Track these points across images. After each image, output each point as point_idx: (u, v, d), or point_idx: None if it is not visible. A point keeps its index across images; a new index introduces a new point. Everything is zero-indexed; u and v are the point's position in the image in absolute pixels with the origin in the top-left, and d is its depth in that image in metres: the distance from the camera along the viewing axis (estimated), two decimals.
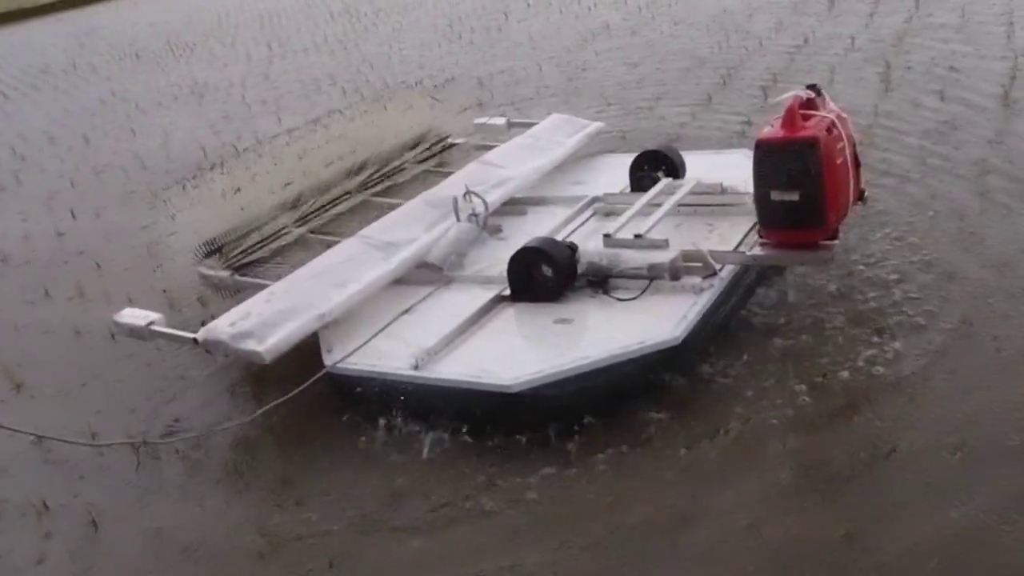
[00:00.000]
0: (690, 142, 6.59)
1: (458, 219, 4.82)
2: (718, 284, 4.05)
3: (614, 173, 5.42)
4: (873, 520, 3.08)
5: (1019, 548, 2.89)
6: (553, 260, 4.17)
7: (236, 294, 4.91)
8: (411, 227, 4.83)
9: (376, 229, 4.85)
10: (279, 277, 4.62)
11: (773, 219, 3.98)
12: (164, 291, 5.77)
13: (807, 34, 9.35)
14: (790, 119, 3.88)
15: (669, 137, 6.87)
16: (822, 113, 3.97)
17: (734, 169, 4.88)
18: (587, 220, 4.88)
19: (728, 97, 7.89)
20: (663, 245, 4.20)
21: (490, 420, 3.80)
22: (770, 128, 3.97)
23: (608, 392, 3.73)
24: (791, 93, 3.98)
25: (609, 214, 4.89)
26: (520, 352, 3.98)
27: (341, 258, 4.60)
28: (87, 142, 10.96)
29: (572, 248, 4.26)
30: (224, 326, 4.14)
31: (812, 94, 3.99)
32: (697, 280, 4.06)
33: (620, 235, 4.34)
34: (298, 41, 15.09)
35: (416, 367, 3.89)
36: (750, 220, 4.38)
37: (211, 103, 11.79)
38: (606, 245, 4.31)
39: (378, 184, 5.73)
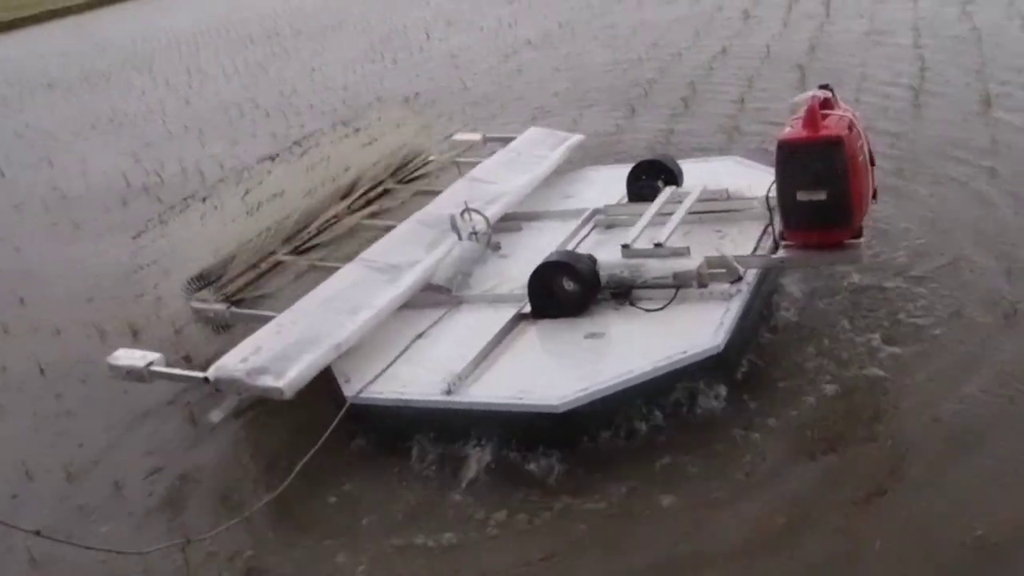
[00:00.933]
0: (618, 153, 6.47)
1: (460, 238, 4.43)
2: (746, 289, 3.80)
3: (604, 185, 5.12)
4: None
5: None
6: (578, 273, 3.84)
7: (227, 328, 4.42)
8: (411, 248, 4.41)
9: (376, 252, 4.42)
10: (279, 309, 4.14)
11: (799, 220, 3.73)
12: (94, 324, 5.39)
13: (724, 44, 9.29)
14: (811, 119, 3.63)
15: (601, 148, 6.60)
16: (839, 112, 3.77)
17: (730, 176, 4.70)
18: (589, 233, 4.56)
19: (651, 107, 7.73)
20: (685, 253, 3.93)
21: (530, 441, 3.48)
22: (790, 129, 3.73)
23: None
24: (808, 94, 3.76)
25: (610, 226, 4.60)
26: (557, 370, 3.66)
27: (345, 284, 4.17)
28: (3, 175, 10.19)
29: (593, 260, 3.94)
30: (235, 363, 3.66)
31: (828, 94, 3.78)
32: (725, 286, 3.80)
33: (637, 245, 4.05)
34: (217, 66, 14.23)
35: (449, 392, 3.52)
36: (759, 224, 4.19)
37: (131, 131, 11.04)
38: (625, 255, 4.00)
39: (365, 207, 5.26)
